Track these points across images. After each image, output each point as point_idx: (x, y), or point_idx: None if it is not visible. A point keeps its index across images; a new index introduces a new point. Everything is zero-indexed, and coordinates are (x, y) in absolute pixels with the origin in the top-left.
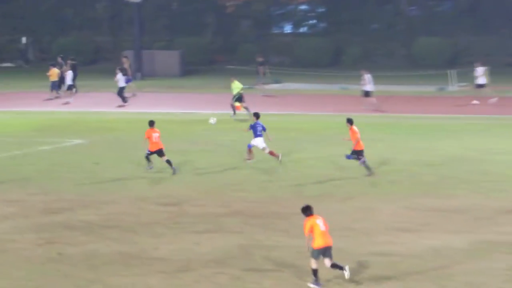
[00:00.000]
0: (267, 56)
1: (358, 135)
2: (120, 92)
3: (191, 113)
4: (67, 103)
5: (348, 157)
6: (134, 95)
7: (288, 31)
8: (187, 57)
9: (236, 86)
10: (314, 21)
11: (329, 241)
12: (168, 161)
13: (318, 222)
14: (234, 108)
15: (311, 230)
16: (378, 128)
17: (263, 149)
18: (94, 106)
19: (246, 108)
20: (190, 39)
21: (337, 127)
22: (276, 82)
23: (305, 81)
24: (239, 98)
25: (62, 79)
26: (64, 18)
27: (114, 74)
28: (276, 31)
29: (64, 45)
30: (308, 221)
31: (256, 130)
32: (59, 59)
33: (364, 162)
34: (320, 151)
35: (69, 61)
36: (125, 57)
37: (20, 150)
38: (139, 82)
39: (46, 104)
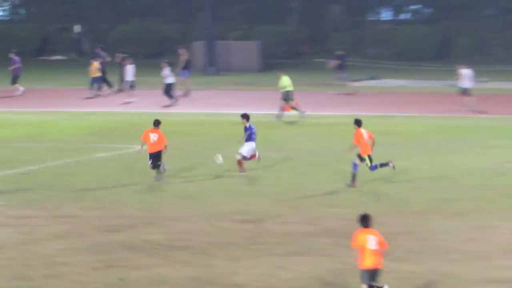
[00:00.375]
0: (362, 47)
1: (365, 140)
2: (168, 89)
3: (271, 114)
4: (128, 103)
5: (372, 168)
6: (186, 94)
7: (387, 18)
8: (268, 48)
9: (285, 82)
10: (418, 6)
11: (379, 263)
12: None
13: (369, 238)
14: (289, 108)
15: (360, 246)
16: (492, 132)
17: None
18: (159, 106)
19: (294, 108)
20: (271, 27)
21: (444, 131)
22: (372, 78)
23: (406, 77)
24: (287, 96)
25: (103, 74)
26: (123, 3)
27: (163, 68)
28: (372, 18)
29: (123, 34)
30: (360, 235)
31: (251, 133)
32: (99, 51)
33: (355, 168)
34: (426, 159)
35: (120, 55)
36: (183, 47)
37: (74, 157)
38: (212, 78)
39: (104, 104)
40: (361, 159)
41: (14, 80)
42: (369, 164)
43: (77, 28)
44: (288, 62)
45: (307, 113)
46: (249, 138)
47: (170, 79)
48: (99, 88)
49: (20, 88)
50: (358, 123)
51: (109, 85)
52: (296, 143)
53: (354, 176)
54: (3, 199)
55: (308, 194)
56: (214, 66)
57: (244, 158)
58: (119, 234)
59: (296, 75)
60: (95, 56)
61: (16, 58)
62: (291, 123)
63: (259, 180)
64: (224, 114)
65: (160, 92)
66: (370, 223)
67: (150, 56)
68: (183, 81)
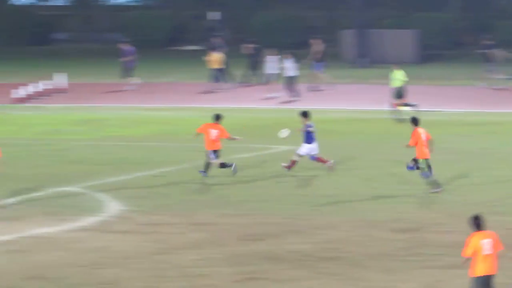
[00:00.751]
0: None
1: (422, 140)
2: (289, 82)
3: (432, 112)
4: (271, 98)
5: (424, 174)
6: (315, 88)
7: None
8: (425, 38)
9: (397, 77)
10: None
11: (494, 268)
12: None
13: (483, 243)
14: (398, 105)
15: (473, 252)
16: None
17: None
18: (307, 101)
19: (406, 104)
20: (429, 14)
21: None
22: None
23: None
24: (400, 93)
25: (226, 66)
26: None
27: (284, 60)
28: None
29: (265, 22)
30: (473, 240)
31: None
32: (218, 39)
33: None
34: None
35: (250, 45)
36: (316, 38)
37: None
38: (363, 71)
39: (244, 99)
40: (416, 162)
41: (127, 73)
42: (425, 169)
43: (214, 16)
44: (448, 54)
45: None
46: (309, 139)
47: (292, 72)
48: (218, 81)
49: (133, 81)
50: (415, 122)
51: (231, 79)
52: (456, 144)
53: (433, 182)
54: (134, 204)
55: (470, 201)
56: (366, 58)
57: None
58: (262, 243)
59: (457, 68)
60: (214, 47)
61: (128, 49)
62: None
63: (413, 183)
64: (374, 111)
65: (306, 86)
66: (483, 225)
67: (295, 45)
68: (317, 75)
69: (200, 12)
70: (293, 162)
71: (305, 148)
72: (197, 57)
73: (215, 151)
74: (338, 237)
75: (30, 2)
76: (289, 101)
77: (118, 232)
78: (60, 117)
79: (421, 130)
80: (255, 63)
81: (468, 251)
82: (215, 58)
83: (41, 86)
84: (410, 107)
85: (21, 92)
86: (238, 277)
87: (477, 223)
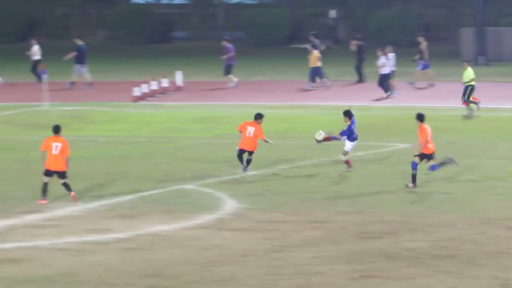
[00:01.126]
0: None
1: (428, 136)
2: (382, 80)
3: None
4: (387, 97)
5: (432, 167)
6: (412, 84)
7: None
8: None
9: (470, 75)
10: None
11: None
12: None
13: None
14: (470, 102)
15: None
16: None
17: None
18: (422, 99)
19: (473, 102)
20: None
21: None
22: None
23: None
24: (470, 91)
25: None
26: None
27: (379, 57)
28: None
29: (383, 20)
30: None
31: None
32: (313, 39)
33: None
34: None
35: (355, 42)
36: (422, 35)
37: (328, 156)
38: (481, 69)
39: (358, 98)
40: (422, 158)
41: (228, 70)
42: (431, 163)
43: (332, 13)
44: None
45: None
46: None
47: (386, 69)
48: (313, 80)
49: (234, 79)
50: (420, 118)
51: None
52: None
53: (413, 177)
54: (251, 202)
55: None
56: (483, 56)
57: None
58: (378, 241)
59: None
60: (315, 45)
61: (229, 46)
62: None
63: None
64: (493, 109)
65: (429, 84)
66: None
67: (413, 43)
68: (424, 73)
69: (318, 10)
70: (347, 162)
71: (349, 145)
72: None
73: (250, 152)
74: (454, 235)
75: (151, 1)
76: (380, 99)
77: (235, 229)
78: (178, 115)
79: (426, 126)
80: (359, 61)
81: None
82: (315, 56)
83: (160, 84)
84: (476, 106)
85: (141, 90)
86: (354, 275)
87: None
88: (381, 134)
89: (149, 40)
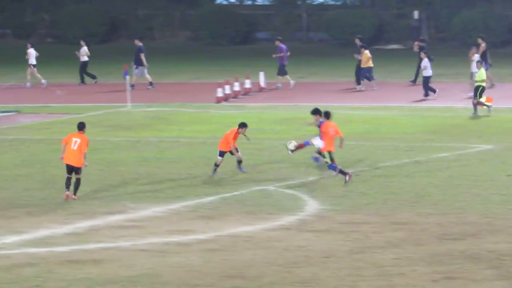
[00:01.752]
0: None
1: (330, 135)
2: (426, 82)
3: None
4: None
5: (331, 167)
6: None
7: None
8: None
9: (482, 75)
10: None
11: None
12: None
13: None
14: (478, 104)
15: None
16: None
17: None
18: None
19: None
20: None
21: None
22: None
23: None
24: (481, 91)
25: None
26: None
27: (423, 59)
28: None
29: (467, 20)
30: None
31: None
32: (358, 42)
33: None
34: None
35: (417, 42)
36: (481, 37)
37: (411, 157)
38: None
39: (449, 99)
40: (321, 155)
41: (282, 71)
42: (328, 161)
43: (416, 14)
44: None
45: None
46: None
47: (428, 72)
48: (368, 79)
49: (291, 81)
50: (327, 115)
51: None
52: None
53: (341, 172)
54: (333, 203)
55: None
56: None
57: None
58: (460, 242)
59: None
60: (362, 46)
61: (282, 46)
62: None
63: None
64: None
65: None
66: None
67: (497, 45)
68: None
69: (402, 11)
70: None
71: (319, 142)
72: (399, 57)
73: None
74: None
75: (234, 2)
76: (424, 100)
77: (317, 231)
78: (260, 116)
79: (331, 124)
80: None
81: None
82: (366, 56)
83: (243, 85)
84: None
85: (224, 91)
86: (436, 277)
87: None
88: (465, 135)
89: (232, 41)
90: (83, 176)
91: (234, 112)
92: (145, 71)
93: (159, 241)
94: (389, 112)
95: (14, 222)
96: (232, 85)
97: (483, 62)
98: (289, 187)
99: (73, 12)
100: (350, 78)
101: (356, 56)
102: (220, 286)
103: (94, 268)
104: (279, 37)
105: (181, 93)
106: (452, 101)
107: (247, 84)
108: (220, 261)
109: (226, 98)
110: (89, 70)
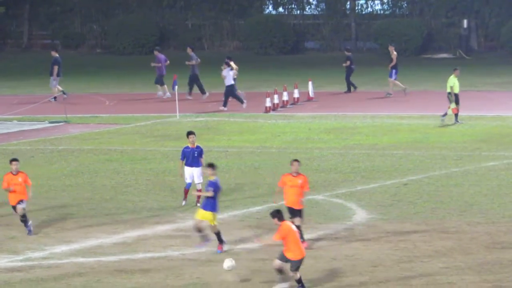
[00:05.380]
0: None
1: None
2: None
3: None
4: None
5: None
6: None
7: None
8: None
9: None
10: None
11: None
12: None
13: None
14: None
15: None
16: None
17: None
18: None
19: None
20: None
21: None
22: None
23: None
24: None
25: None
26: None
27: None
28: None
29: None
30: None
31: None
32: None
33: None
34: None
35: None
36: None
37: (460, 166)
38: None
39: (498, 108)
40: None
41: (159, 80)
42: None
43: (465, 23)
44: None
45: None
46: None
47: (230, 81)
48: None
49: (160, 92)
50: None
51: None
52: None
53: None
54: (381, 213)
55: None
56: None
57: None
58: (509, 251)
59: None
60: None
61: (161, 56)
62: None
63: None
64: None
65: None
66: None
67: None
68: None
69: (451, 20)
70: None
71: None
72: (448, 66)
73: None
74: None
75: (283, 12)
76: None
77: (365, 240)
78: (309, 126)
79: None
80: None
81: None
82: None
83: (292, 94)
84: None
85: (272, 100)
86: (485, 286)
87: None
88: None
89: (281, 50)
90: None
91: (283, 122)
92: (54, 83)
93: (207, 251)
94: (437, 121)
95: (63, 232)
96: (280, 95)
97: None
98: (337, 196)
99: (122, 22)
100: (397, 87)
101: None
102: None
103: (143, 278)
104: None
105: (229, 103)
106: (500, 109)
107: (296, 93)
108: (269, 270)
109: (274, 107)
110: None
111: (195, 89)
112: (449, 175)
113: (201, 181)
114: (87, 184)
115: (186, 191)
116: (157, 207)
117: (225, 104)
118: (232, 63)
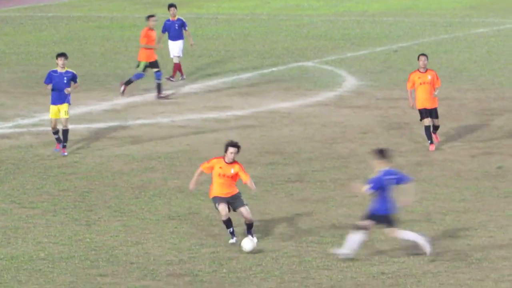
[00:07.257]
0: None
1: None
2: None
3: None
4: None
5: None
6: None
7: None
8: None
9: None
10: None
11: None
12: None
13: None
14: None
15: None
16: None
17: None
18: None
19: None
20: None
21: None
22: None
23: None
24: None
25: None
26: None
27: None
28: None
29: None
30: None
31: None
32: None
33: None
34: None
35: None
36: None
37: (449, 33)
38: None
39: None
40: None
41: None
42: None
43: None
44: None
45: None
46: None
47: None
48: None
49: None
50: None
51: None
52: None
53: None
54: (371, 79)
55: None
56: None
57: None
58: (499, 118)
59: None
60: None
61: None
62: None
63: None
64: None
65: None
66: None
67: None
68: None
69: None
70: None
71: None
72: None
73: None
74: None
75: None
76: None
77: (355, 107)
78: None
79: None
80: None
81: None
82: None
83: None
84: None
85: None
86: (474, 152)
87: None
88: (504, 10)
89: None
90: None
91: None
92: None
93: (197, 117)
94: None
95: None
96: None
97: None
98: (327, 63)
99: None
100: None
101: None
102: (258, 162)
103: (133, 145)
104: None
105: None
106: None
107: None
108: (258, 137)
109: None
110: None
111: None
112: (439, 41)
113: (181, 55)
114: (76, 51)
115: (177, 66)
116: (147, 74)
117: None
118: None
